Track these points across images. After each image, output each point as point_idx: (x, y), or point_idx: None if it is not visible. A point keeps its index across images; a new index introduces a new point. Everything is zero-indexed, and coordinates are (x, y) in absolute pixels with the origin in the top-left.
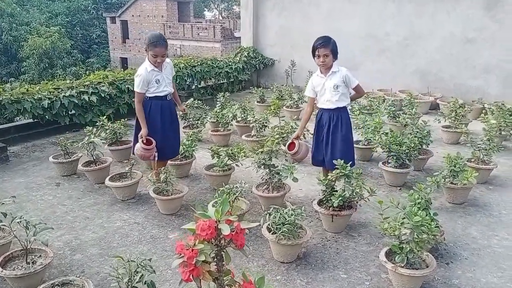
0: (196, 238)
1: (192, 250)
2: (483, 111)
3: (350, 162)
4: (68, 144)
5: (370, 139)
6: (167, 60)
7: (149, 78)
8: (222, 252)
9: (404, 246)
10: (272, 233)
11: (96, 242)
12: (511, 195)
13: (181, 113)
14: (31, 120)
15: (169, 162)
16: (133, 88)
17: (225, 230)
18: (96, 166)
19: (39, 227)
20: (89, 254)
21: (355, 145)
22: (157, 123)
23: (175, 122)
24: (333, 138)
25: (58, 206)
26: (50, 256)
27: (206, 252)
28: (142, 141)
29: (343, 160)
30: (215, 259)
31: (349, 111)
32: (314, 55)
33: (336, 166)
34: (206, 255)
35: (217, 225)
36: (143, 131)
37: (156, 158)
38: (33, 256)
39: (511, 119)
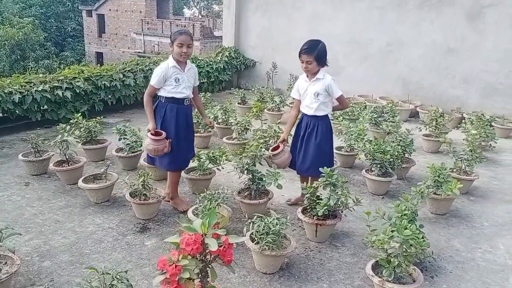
0: (180, 253)
1: (176, 266)
2: (463, 120)
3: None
4: (39, 141)
5: (353, 146)
6: (192, 65)
7: (168, 74)
8: (208, 268)
9: (392, 260)
10: (256, 243)
11: (66, 248)
12: (492, 206)
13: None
14: (0, 115)
15: (147, 165)
16: (109, 85)
17: (213, 245)
18: (68, 166)
19: (5, 232)
20: (59, 261)
21: (337, 152)
22: (170, 129)
23: (190, 130)
24: (306, 146)
25: (27, 207)
26: (16, 264)
27: (191, 268)
28: (151, 133)
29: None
30: (200, 276)
31: (330, 116)
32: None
33: (322, 174)
34: (190, 271)
35: (204, 239)
36: (151, 124)
37: (168, 150)
38: None
39: (491, 130)
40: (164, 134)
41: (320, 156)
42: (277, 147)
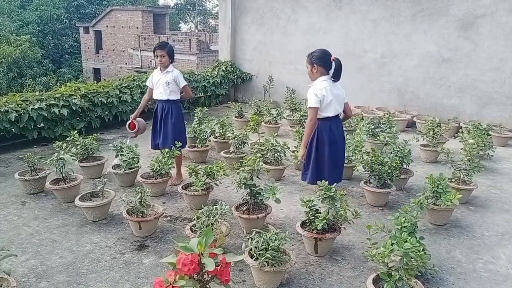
0: (177, 273)
1: (172, 287)
2: (460, 130)
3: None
4: (36, 159)
5: (350, 158)
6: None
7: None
8: None
9: (393, 274)
10: (255, 259)
11: (64, 268)
12: (492, 216)
13: None
14: None
15: (143, 180)
16: (106, 101)
17: (210, 265)
18: (65, 184)
19: (0, 254)
20: (56, 281)
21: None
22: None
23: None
24: (164, 126)
25: (23, 227)
26: (13, 286)
27: None
28: None
29: (327, 181)
30: None
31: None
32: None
33: (320, 186)
34: None
35: (200, 259)
36: None
37: None
38: None
39: (488, 138)
40: None
41: (176, 132)
42: (132, 123)
